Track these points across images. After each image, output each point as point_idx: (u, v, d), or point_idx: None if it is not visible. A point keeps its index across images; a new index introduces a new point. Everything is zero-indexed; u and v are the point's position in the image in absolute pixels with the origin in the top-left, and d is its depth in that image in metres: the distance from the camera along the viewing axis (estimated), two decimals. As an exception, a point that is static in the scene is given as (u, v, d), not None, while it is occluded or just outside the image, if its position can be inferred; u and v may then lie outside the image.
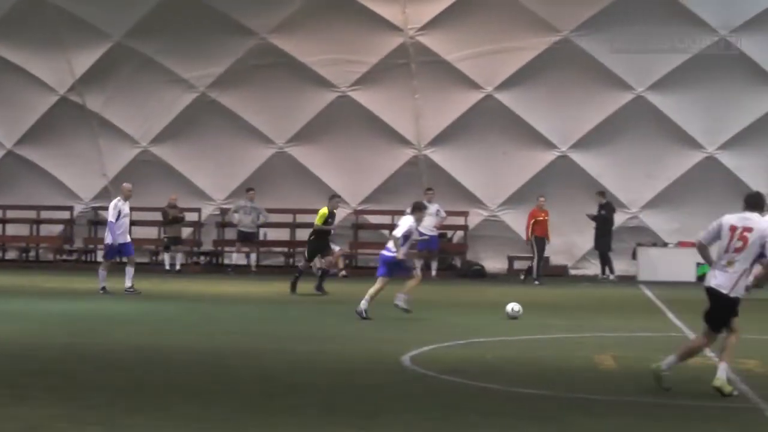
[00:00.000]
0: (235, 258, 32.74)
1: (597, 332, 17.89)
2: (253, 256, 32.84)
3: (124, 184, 25.23)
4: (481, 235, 33.03)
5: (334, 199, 25.95)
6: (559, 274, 31.85)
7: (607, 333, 17.83)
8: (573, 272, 32.55)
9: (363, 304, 19.65)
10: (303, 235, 33.27)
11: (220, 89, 33.27)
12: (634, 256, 31.82)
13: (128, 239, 24.55)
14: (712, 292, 12.08)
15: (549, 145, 32.35)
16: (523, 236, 31.37)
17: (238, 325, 18.72)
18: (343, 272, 31.36)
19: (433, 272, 31.43)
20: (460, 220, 32.92)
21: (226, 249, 33.59)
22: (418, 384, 12.59)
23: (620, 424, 10.28)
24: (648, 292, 26.44)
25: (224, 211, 33.65)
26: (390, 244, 20.31)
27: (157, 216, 32.43)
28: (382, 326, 18.65)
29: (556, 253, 32.19)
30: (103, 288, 23.83)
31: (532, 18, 31.30)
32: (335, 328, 18.39)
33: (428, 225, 31.13)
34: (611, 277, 31.06)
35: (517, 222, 32.58)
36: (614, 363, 14.19)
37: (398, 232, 20.25)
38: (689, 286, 29.43)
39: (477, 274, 31.69)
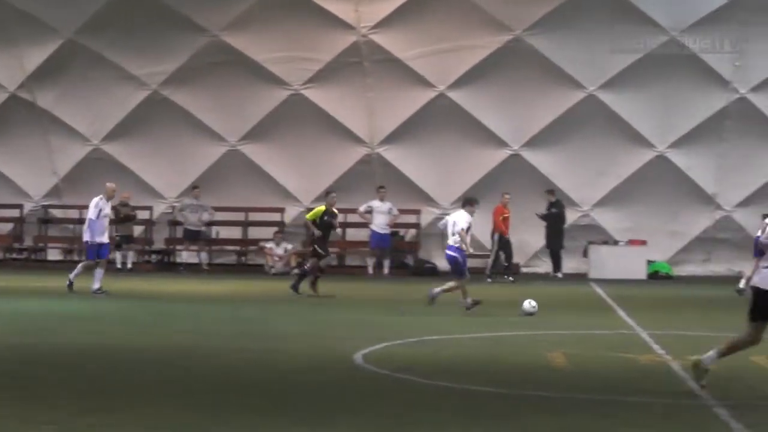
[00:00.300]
0: (186, 256, 32.64)
1: (549, 330, 17.96)
2: (204, 255, 32.73)
3: (108, 184, 24.99)
4: (433, 233, 33.03)
5: (330, 195, 25.32)
6: (514, 272, 31.94)
7: (559, 330, 17.91)
8: (525, 270, 32.68)
9: (435, 291, 20.91)
10: (255, 233, 33.34)
11: (173, 87, 33.11)
12: (585, 254, 32.00)
13: (106, 240, 24.35)
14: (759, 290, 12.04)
15: (501, 143, 32.47)
16: (477, 235, 31.33)
17: (191, 324, 18.63)
18: (296, 270, 31.37)
19: (386, 270, 31.50)
20: (412, 219, 32.98)
21: (178, 247, 33.45)
22: (370, 383, 12.59)
23: (572, 421, 10.32)
24: (599, 290, 26.59)
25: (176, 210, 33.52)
26: (450, 241, 20.79)
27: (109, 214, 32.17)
28: (334, 325, 18.66)
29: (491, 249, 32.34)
30: (71, 284, 23.70)
31: (484, 17, 31.41)
32: (287, 326, 18.35)
33: (381, 223, 31.25)
34: (559, 275, 31.23)
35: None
36: (566, 361, 14.25)
37: (461, 226, 20.61)
38: (640, 284, 29.69)
39: (429, 272, 31.73)
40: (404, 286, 27.59)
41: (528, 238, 32.11)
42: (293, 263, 31.76)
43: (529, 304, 20.07)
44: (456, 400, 11.44)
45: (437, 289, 21.13)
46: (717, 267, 32.89)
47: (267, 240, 32.42)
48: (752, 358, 14.46)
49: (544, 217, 31.18)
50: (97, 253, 24.03)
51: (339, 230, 33.57)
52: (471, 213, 21.08)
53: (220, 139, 33.40)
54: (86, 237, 24.06)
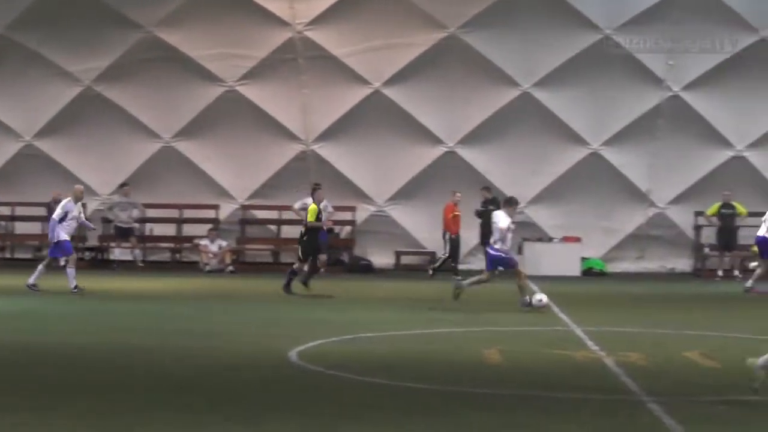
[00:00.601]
0: (119, 254, 32.37)
1: (484, 326, 18.02)
2: (138, 252, 32.49)
3: (76, 186, 24.69)
4: (368, 231, 33.08)
5: (317, 191, 24.82)
6: (446, 269, 31.96)
7: (494, 327, 17.96)
8: (460, 267, 32.68)
9: (463, 283, 21.22)
10: (190, 230, 33.11)
11: (106, 83, 32.78)
12: (519, 251, 32.09)
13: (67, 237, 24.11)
14: None
15: (436, 140, 32.52)
16: (413, 232, 31.56)
17: (125, 322, 18.46)
18: (230, 267, 31.26)
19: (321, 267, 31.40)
20: (347, 216, 32.94)
21: (111, 245, 33.13)
22: (305, 380, 12.55)
23: (507, 417, 10.35)
24: (533, 287, 26.66)
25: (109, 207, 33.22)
26: (492, 240, 20.79)
27: (42, 211, 31.82)
28: (269, 322, 18.60)
29: (443, 247, 32.39)
30: (34, 285, 23.47)
31: (419, 14, 31.45)
32: (222, 324, 18.25)
33: (316, 220, 31.13)
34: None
35: (405, 217, 32.76)
36: (501, 357, 14.29)
37: (505, 225, 20.68)
38: (574, 281, 29.88)
39: (364, 269, 31.72)
40: (339, 283, 27.53)
41: (463, 235, 32.12)
42: (228, 260, 31.61)
43: (539, 300, 20.13)
44: (390, 396, 11.43)
45: (532, 298, 20.89)
46: (650, 264, 33.19)
47: (201, 237, 32.23)
48: (685, 353, 14.61)
49: (479, 214, 31.23)
50: (62, 251, 23.87)
51: (273, 227, 33.56)
52: (509, 214, 21.03)
53: (154, 136, 33.13)
54: (53, 237, 23.76)
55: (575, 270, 31.39)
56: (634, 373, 12.81)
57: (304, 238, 24.14)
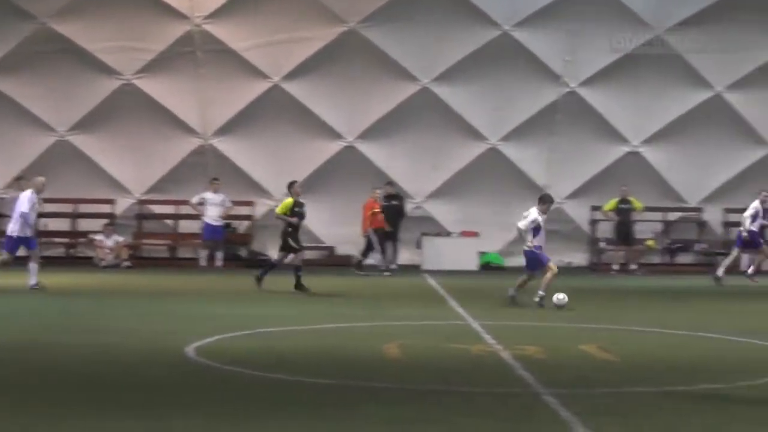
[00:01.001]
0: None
1: (384, 321, 18.02)
2: (33, 247, 31.93)
3: (39, 178, 24.10)
4: (267, 225, 32.87)
5: (294, 185, 24.44)
6: (346, 263, 31.99)
7: (393, 322, 17.97)
8: (366, 262, 32.65)
9: (511, 291, 20.69)
10: (85, 225, 32.65)
11: (-1, 75, 32.24)
12: (418, 245, 32.22)
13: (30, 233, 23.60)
14: None
15: (336, 135, 32.48)
16: (312, 227, 31.37)
17: (19, 319, 18.15)
18: (127, 263, 30.90)
19: (219, 262, 31.20)
20: (246, 210, 32.74)
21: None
22: (203, 376, 12.44)
23: (406, 411, 10.35)
24: (432, 281, 26.79)
25: (1, 202, 32.62)
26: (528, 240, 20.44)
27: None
28: (167, 318, 18.40)
29: (343, 242, 32.40)
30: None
31: (319, 8, 31.38)
32: (119, 320, 18.00)
33: (214, 215, 30.94)
34: (393, 266, 31.32)
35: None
36: (400, 352, 14.30)
37: (523, 225, 20.33)
38: (472, 275, 30.05)
39: (262, 264, 31.48)
40: (237, 278, 27.36)
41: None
42: (124, 255, 31.25)
43: (557, 298, 20.10)
44: (289, 392, 11.37)
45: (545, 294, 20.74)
46: (546, 258, 33.45)
47: (97, 232, 31.79)
48: (581, 346, 14.75)
49: (382, 210, 31.20)
50: (24, 246, 23.37)
51: (170, 222, 33.25)
52: (542, 211, 20.67)
53: (49, 129, 32.58)
54: (16, 232, 23.22)
55: (473, 264, 31.58)
56: (530, 366, 12.89)
57: (289, 230, 23.90)
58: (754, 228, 27.21)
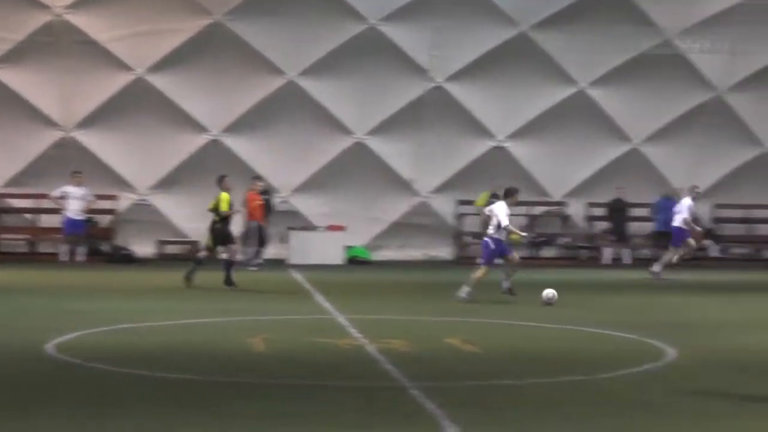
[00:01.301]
0: None
1: (249, 316, 17.89)
2: None
3: None
4: (130, 220, 32.43)
5: (224, 179, 23.91)
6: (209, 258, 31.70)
7: (258, 316, 17.84)
8: (222, 257, 32.27)
9: (505, 284, 20.83)
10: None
11: None
12: (282, 239, 32.05)
13: None
14: None
15: (201, 128, 32.14)
16: (175, 221, 31.16)
17: None
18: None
19: (81, 257, 30.65)
20: (108, 204, 32.21)
21: None
22: (63, 373, 12.17)
23: (272, 405, 10.27)
24: (298, 276, 26.69)
25: None
26: (491, 231, 20.53)
27: None
28: (26, 314, 18.01)
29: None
30: None
31: (184, 0, 30.99)
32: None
33: (76, 209, 30.37)
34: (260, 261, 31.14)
35: (168, 206, 32.29)
36: (265, 346, 14.19)
37: (505, 221, 20.33)
38: (338, 269, 30.02)
39: (125, 259, 31.07)
40: (99, 273, 26.94)
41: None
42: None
43: (547, 295, 19.99)
44: (152, 388, 11.20)
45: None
46: (414, 252, 33.62)
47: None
48: (446, 339, 14.81)
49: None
50: None
51: (30, 216, 32.55)
52: (511, 204, 20.94)
53: None
54: None
55: (339, 258, 31.55)
56: (396, 359, 12.90)
57: (217, 226, 23.43)
58: (679, 224, 27.24)
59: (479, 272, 20.69)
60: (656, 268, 26.95)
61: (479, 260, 21.38)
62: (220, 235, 23.48)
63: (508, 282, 21.09)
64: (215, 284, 22.27)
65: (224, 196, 23.53)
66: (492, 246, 20.77)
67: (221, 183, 23.97)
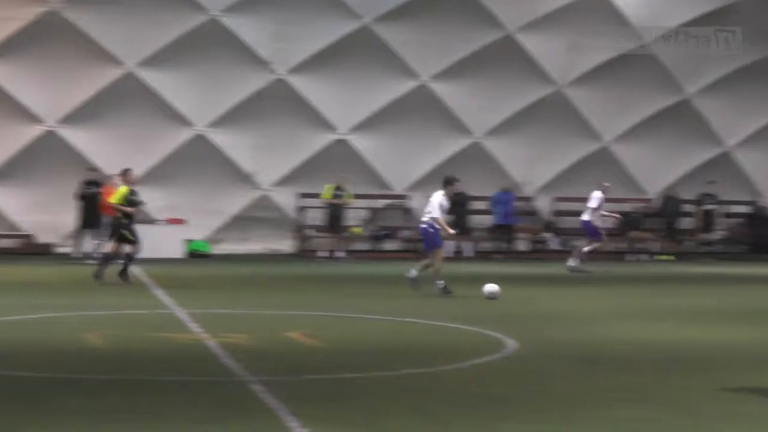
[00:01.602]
0: None
1: (84, 311, 17.48)
2: None
3: None
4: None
5: (128, 172, 22.94)
6: (45, 252, 31.07)
7: (95, 312, 17.45)
8: (60, 250, 31.72)
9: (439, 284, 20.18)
10: None
11: None
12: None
13: None
14: None
15: (35, 119, 31.40)
16: (8, 215, 30.38)
17: None
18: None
19: None
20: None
21: None
22: None
23: (109, 401, 10.02)
24: (137, 269, 26.23)
25: None
26: (426, 218, 20.31)
27: None
28: None
29: (45, 231, 31.43)
30: None
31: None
32: None
33: None
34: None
35: (1, 199, 31.57)
36: (102, 341, 13.87)
37: (436, 213, 20.08)
38: (178, 263, 29.67)
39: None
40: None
41: (63, 218, 31.05)
42: None
43: (490, 289, 19.63)
44: (-16, 386, 10.83)
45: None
46: (254, 245, 33.50)
47: None
48: (287, 333, 14.71)
49: (82, 197, 30.26)
50: None
51: None
52: (448, 194, 20.67)
53: None
54: None
55: (179, 252, 31.18)
56: (236, 354, 12.74)
57: (123, 221, 22.55)
58: (588, 218, 27.53)
59: (436, 260, 20.48)
60: (572, 262, 27.40)
61: (424, 249, 21.30)
62: (122, 231, 22.64)
63: (416, 271, 20.83)
64: (50, 279, 21.74)
65: (122, 190, 22.76)
66: (431, 230, 20.57)
67: (125, 176, 23.09)
